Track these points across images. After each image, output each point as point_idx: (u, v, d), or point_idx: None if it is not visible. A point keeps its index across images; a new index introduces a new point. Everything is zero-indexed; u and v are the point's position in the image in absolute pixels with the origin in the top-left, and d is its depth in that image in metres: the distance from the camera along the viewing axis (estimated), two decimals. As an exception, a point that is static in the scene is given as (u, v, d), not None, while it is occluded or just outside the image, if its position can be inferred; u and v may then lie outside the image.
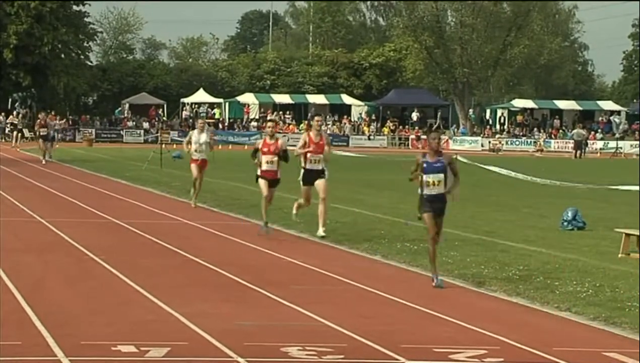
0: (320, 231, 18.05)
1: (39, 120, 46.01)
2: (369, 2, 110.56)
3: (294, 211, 18.93)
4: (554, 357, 9.45)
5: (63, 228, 18.87)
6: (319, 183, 18.00)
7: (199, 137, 23.99)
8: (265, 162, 18.52)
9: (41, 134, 43.96)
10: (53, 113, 66.66)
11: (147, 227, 19.49)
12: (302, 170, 18.14)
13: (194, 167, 23.87)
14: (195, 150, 23.82)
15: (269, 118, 21.34)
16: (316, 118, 18.67)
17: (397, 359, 9.24)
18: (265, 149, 18.56)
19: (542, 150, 75.07)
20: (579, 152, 68.69)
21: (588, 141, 74.87)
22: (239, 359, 9.02)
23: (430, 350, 9.62)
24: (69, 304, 11.54)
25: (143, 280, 13.13)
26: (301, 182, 18.22)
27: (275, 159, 18.45)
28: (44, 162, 41.93)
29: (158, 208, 23.63)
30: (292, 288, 12.96)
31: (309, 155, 17.95)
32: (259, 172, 18.67)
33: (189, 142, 24.03)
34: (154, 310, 11.29)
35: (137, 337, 9.72)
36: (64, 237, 17.83)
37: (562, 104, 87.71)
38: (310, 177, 18.09)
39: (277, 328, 10.43)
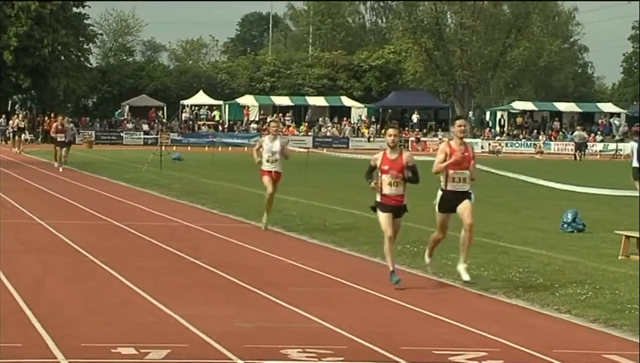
0: (463, 270, 13.66)
1: (55, 124, 42.23)
2: (368, 4, 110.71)
3: (428, 254, 14.25)
4: (554, 359, 9.45)
5: (62, 230, 18.86)
6: (464, 206, 13.49)
7: (271, 144, 19.67)
8: (388, 184, 13.61)
9: (58, 139, 40.46)
10: (53, 115, 66.35)
11: (147, 229, 19.48)
12: (440, 192, 13.63)
13: (267, 180, 19.68)
14: (267, 160, 19.62)
15: (389, 125, 14.26)
16: (458, 122, 13.80)
17: (397, 361, 9.23)
18: (386, 167, 13.60)
19: (542, 152, 75.15)
20: (579, 153, 68.78)
21: (588, 143, 74.99)
22: (239, 361, 9.02)
23: (430, 352, 9.61)
24: (69, 306, 11.53)
25: (143, 282, 13.13)
26: (437, 208, 13.68)
27: (401, 179, 13.61)
28: (61, 169, 38.90)
29: (158, 211, 23.62)
30: (292, 290, 12.95)
31: (450, 171, 13.52)
32: (378, 198, 13.77)
33: (260, 150, 19.80)
34: (153, 311, 11.28)
35: (137, 339, 9.71)
36: (64, 238, 17.82)
37: (562, 106, 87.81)
38: (452, 200, 13.54)
39: (276, 330, 10.42)
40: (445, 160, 13.48)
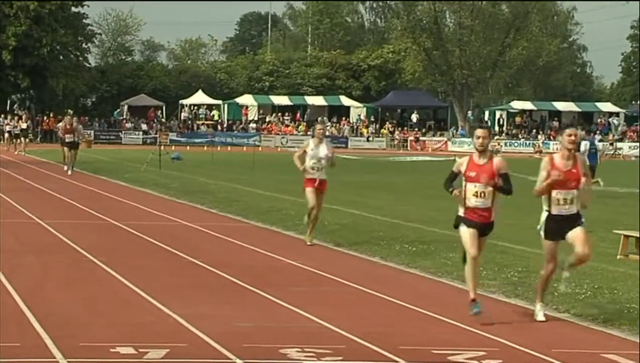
0: (564, 284, 11.83)
1: (63, 124, 39.63)
2: (367, 4, 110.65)
3: (539, 298, 11.53)
4: (552, 359, 9.45)
5: (62, 230, 18.86)
6: (576, 233, 11.24)
7: (317, 149, 17.70)
8: (474, 194, 11.31)
9: (66, 141, 37.70)
10: (54, 116, 66.02)
11: (146, 229, 19.48)
12: (545, 214, 11.37)
13: (309, 192, 17.78)
14: (312, 167, 17.68)
15: (479, 126, 11.89)
16: (568, 131, 11.56)
17: (396, 361, 9.24)
18: (472, 173, 11.30)
19: (541, 152, 75.09)
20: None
21: (587, 143, 75.00)
22: (238, 361, 9.02)
23: (429, 351, 9.62)
24: (68, 306, 11.53)
25: (142, 282, 13.13)
26: (542, 235, 11.41)
27: (490, 190, 11.34)
28: (70, 172, 36.63)
29: (157, 210, 23.61)
30: (291, 289, 12.96)
31: (554, 192, 11.26)
32: (461, 211, 11.45)
33: (302, 156, 17.81)
34: (152, 311, 11.29)
35: (136, 339, 9.72)
36: (63, 238, 17.82)
37: (560, 106, 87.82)
38: (560, 226, 11.26)
39: (275, 329, 10.43)
40: (547, 177, 11.22)
